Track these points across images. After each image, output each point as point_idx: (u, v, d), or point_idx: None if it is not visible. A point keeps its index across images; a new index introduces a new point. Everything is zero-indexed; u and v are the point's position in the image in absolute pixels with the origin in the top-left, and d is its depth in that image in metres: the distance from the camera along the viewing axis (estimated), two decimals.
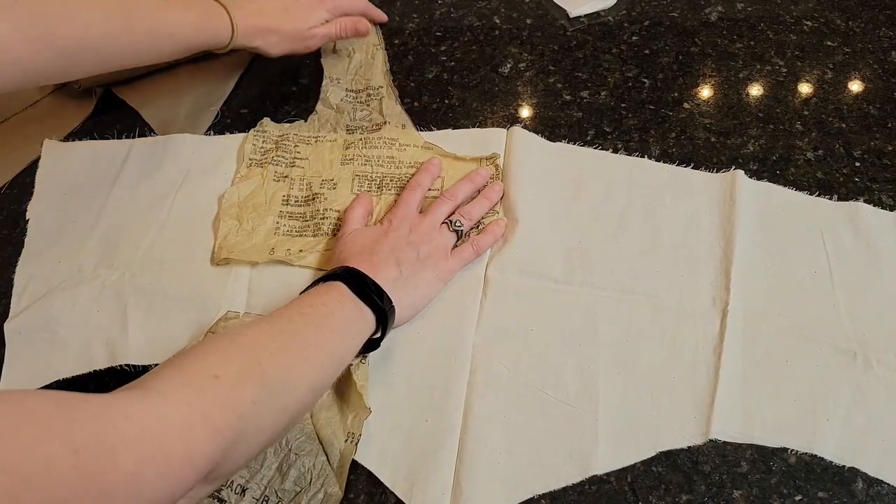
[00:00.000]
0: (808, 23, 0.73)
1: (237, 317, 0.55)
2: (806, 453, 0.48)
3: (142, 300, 0.57)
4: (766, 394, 0.50)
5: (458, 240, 0.58)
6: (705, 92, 0.68)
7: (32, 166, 0.66)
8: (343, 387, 0.51)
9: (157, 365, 0.51)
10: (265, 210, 0.61)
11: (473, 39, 0.75)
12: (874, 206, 0.58)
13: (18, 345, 0.55)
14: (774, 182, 0.60)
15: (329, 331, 0.46)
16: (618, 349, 0.52)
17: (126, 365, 0.53)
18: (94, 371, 0.53)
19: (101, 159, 0.66)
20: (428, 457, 0.48)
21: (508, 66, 0.72)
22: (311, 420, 0.49)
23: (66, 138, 0.68)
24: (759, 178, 0.61)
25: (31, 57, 0.50)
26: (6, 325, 0.56)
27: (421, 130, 0.67)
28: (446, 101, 0.69)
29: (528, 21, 0.76)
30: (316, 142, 0.66)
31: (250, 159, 0.65)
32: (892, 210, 0.58)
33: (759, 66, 0.69)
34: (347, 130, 0.67)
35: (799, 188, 0.60)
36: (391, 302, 0.50)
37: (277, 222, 0.61)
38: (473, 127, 0.67)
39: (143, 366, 0.53)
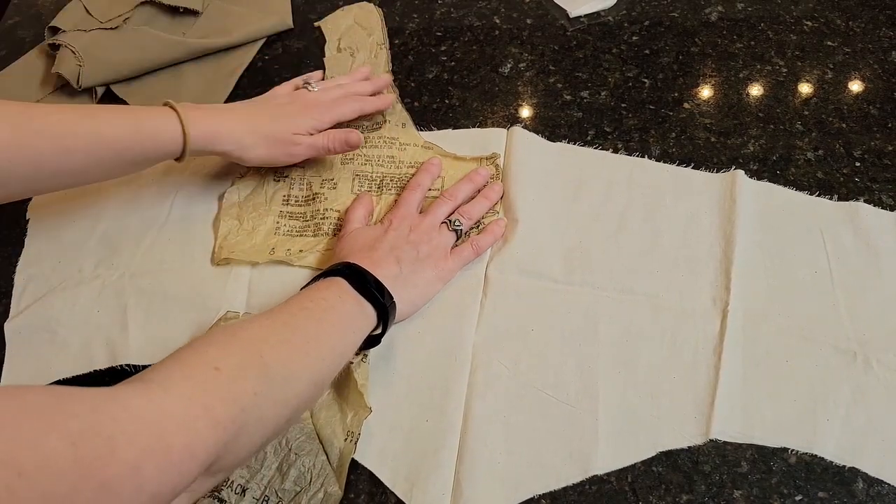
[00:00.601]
0: (809, 23, 0.73)
1: (237, 317, 0.55)
2: (806, 453, 0.48)
3: (142, 300, 0.57)
4: (766, 394, 0.50)
5: (457, 239, 0.58)
6: (705, 92, 0.68)
7: None
8: (343, 386, 0.51)
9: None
10: (265, 210, 0.61)
11: (473, 39, 0.75)
12: (874, 206, 0.58)
13: (18, 345, 0.55)
14: (774, 182, 0.60)
15: (330, 325, 0.46)
16: (618, 349, 0.52)
17: (126, 365, 0.53)
18: (94, 371, 0.53)
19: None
20: (428, 456, 0.48)
21: (508, 66, 0.72)
22: (310, 419, 0.49)
23: None
24: (759, 178, 0.61)
25: None
26: (6, 325, 0.56)
27: (421, 130, 0.67)
28: (446, 101, 0.69)
29: (529, 21, 0.76)
30: None
31: None
32: (892, 210, 0.58)
33: (759, 66, 0.69)
34: None
35: (799, 188, 0.60)
36: (392, 297, 0.50)
37: (278, 222, 0.61)
38: (473, 127, 0.67)
39: (143, 365, 0.53)
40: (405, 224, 0.56)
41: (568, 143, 0.64)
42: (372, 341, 0.50)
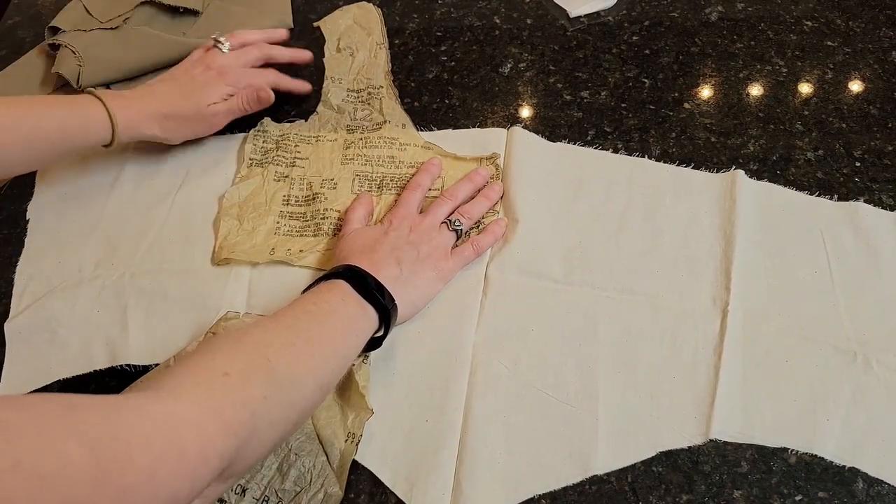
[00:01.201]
0: (809, 23, 0.73)
1: (237, 317, 0.55)
2: (806, 453, 0.48)
3: (142, 300, 0.57)
4: (766, 394, 0.50)
5: (457, 239, 0.58)
6: (705, 92, 0.68)
7: None
8: (344, 387, 0.51)
9: (157, 365, 0.51)
10: (265, 210, 0.61)
11: (473, 39, 0.75)
12: (874, 206, 0.58)
13: (18, 345, 0.55)
14: (774, 182, 0.60)
15: (333, 328, 0.46)
16: (618, 349, 0.52)
17: (126, 365, 0.53)
18: (94, 371, 0.53)
19: (101, 159, 0.66)
20: (428, 457, 0.48)
21: (508, 66, 0.72)
22: (311, 420, 0.49)
23: None
24: (759, 178, 0.61)
25: None
26: (6, 325, 0.56)
27: (421, 130, 0.67)
28: (446, 101, 0.69)
29: (529, 21, 0.76)
30: (316, 141, 0.66)
31: (251, 159, 0.65)
32: (892, 210, 0.58)
33: (759, 66, 0.69)
34: (348, 130, 0.67)
35: (799, 188, 0.60)
36: (393, 299, 0.50)
37: (278, 222, 0.61)
38: (473, 127, 0.67)
39: (143, 366, 0.53)
40: (405, 224, 0.56)
41: (568, 143, 0.64)
42: (374, 344, 0.50)
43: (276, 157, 0.64)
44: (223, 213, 0.61)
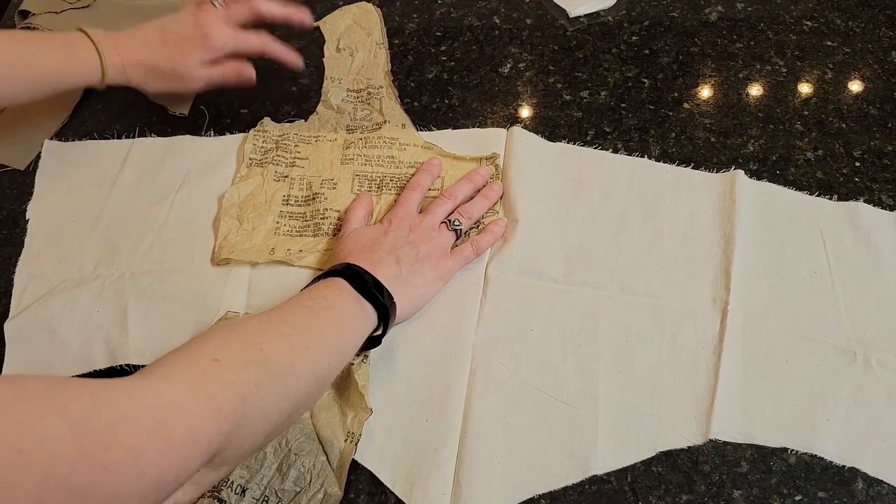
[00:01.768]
0: (808, 23, 0.73)
1: (237, 317, 0.55)
2: (806, 453, 0.48)
3: (142, 300, 0.57)
4: (766, 394, 0.50)
5: (457, 239, 0.58)
6: (705, 92, 0.68)
7: (32, 166, 0.66)
8: (343, 387, 0.51)
9: None
10: (265, 210, 0.61)
11: (473, 39, 0.75)
12: (874, 206, 0.58)
13: (18, 345, 0.55)
14: (774, 182, 0.60)
15: (329, 322, 0.46)
16: (618, 349, 0.52)
17: (126, 365, 0.53)
18: (94, 371, 0.53)
19: (101, 159, 0.66)
20: (428, 456, 0.48)
21: (508, 66, 0.72)
22: (310, 420, 0.49)
23: (66, 126, 0.69)
24: (759, 178, 0.61)
25: None
26: (6, 325, 0.56)
27: (421, 130, 0.67)
28: (446, 101, 0.69)
29: (528, 21, 0.76)
30: (316, 141, 0.66)
31: (250, 159, 0.65)
32: (892, 210, 0.58)
33: (759, 66, 0.69)
34: (348, 130, 0.67)
35: (799, 188, 0.60)
36: (392, 298, 0.50)
37: (278, 222, 0.61)
38: (473, 127, 0.67)
39: (143, 366, 0.53)
40: (405, 224, 0.56)
41: (568, 143, 0.64)
42: (372, 342, 0.50)
43: (275, 157, 0.64)
44: (223, 212, 0.61)
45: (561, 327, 0.54)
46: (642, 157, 0.63)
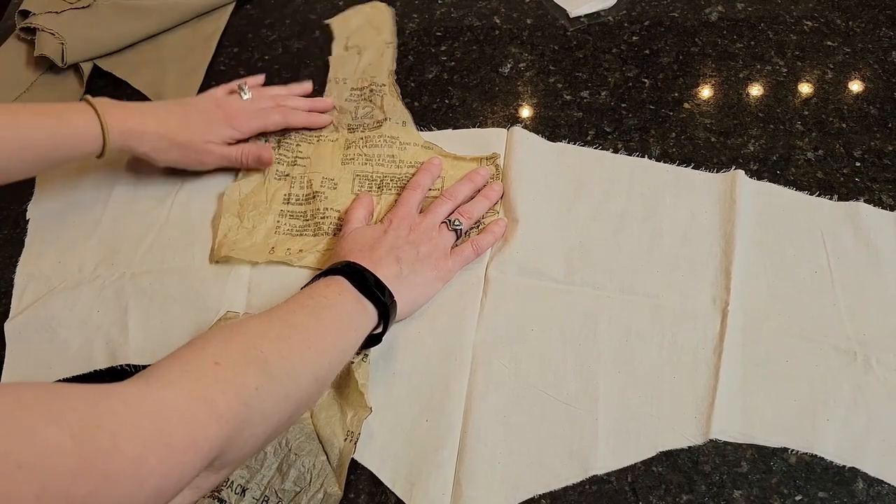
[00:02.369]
0: (808, 23, 0.73)
1: (237, 317, 0.55)
2: (806, 453, 0.48)
3: (142, 300, 0.57)
4: (766, 394, 0.50)
5: (457, 239, 0.58)
6: (705, 92, 0.68)
7: None
8: (343, 385, 0.51)
9: None
10: (266, 208, 0.61)
11: (473, 39, 0.75)
12: (874, 206, 0.58)
13: (18, 345, 0.55)
14: (774, 182, 0.60)
15: (330, 322, 0.46)
16: (618, 349, 0.52)
17: (126, 365, 0.53)
18: (95, 371, 0.53)
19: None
20: (428, 456, 0.48)
21: (508, 66, 0.72)
22: (310, 420, 0.49)
23: None
24: (759, 178, 0.61)
25: None
26: (6, 325, 0.56)
27: (421, 130, 0.67)
28: (446, 101, 0.69)
29: (528, 21, 0.76)
30: (318, 141, 0.66)
31: None
32: (892, 210, 0.58)
33: (759, 66, 0.69)
34: (349, 130, 0.67)
35: (799, 188, 0.60)
36: (392, 296, 0.50)
37: (278, 221, 0.61)
38: (473, 127, 0.67)
39: (143, 365, 0.53)
40: (405, 224, 0.56)
41: (568, 143, 0.64)
42: (373, 340, 0.50)
43: (277, 156, 0.64)
44: (223, 209, 0.61)
45: (561, 327, 0.54)
46: (643, 157, 0.63)
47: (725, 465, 0.48)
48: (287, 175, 0.63)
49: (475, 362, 0.52)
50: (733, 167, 0.61)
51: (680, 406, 0.50)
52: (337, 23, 0.77)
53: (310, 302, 0.46)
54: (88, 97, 0.56)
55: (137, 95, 0.72)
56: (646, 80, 0.69)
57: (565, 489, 0.47)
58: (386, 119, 0.66)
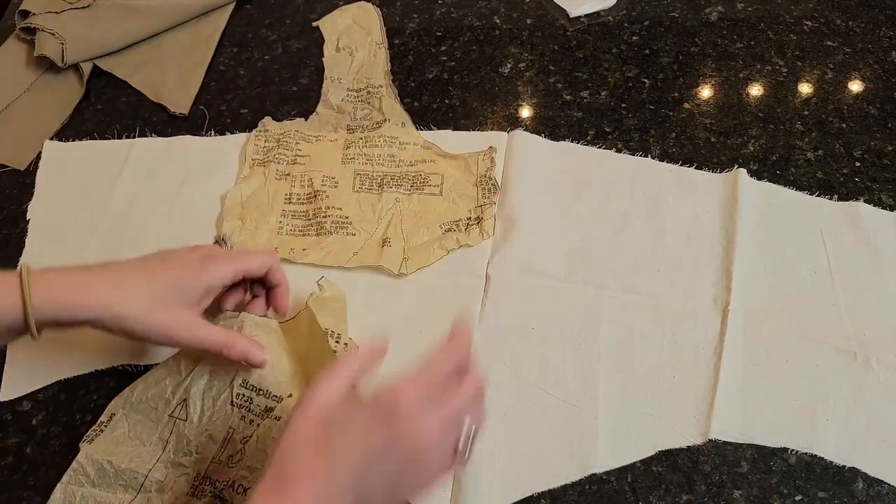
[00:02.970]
0: (808, 23, 0.73)
1: (236, 316, 0.55)
2: (806, 453, 0.48)
3: None
4: (766, 394, 0.50)
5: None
6: (705, 92, 0.68)
7: (33, 166, 0.67)
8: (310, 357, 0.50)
9: (156, 364, 0.51)
10: (268, 209, 0.61)
11: (473, 39, 0.75)
12: (874, 206, 0.58)
13: (19, 345, 0.55)
14: (775, 182, 0.60)
15: None
16: (618, 348, 0.52)
17: (127, 365, 0.54)
18: (95, 371, 0.54)
19: (101, 159, 0.66)
20: None
21: (508, 66, 0.72)
22: None
23: (66, 126, 0.70)
24: (759, 178, 0.61)
25: None
26: None
27: (421, 130, 0.67)
28: (446, 101, 0.69)
29: (528, 21, 0.76)
30: (317, 141, 0.66)
31: (252, 159, 0.65)
32: (892, 210, 0.58)
33: (759, 66, 0.69)
34: (348, 130, 0.67)
35: (799, 188, 0.60)
36: None
37: (280, 221, 0.61)
38: (474, 127, 0.67)
39: (143, 365, 0.53)
40: (414, 426, 0.38)
41: (569, 142, 0.64)
42: None
43: (277, 155, 0.64)
44: (226, 212, 0.61)
45: (562, 326, 0.54)
46: (644, 157, 0.63)
47: (725, 465, 0.48)
48: (287, 174, 0.63)
49: (475, 361, 0.52)
50: (735, 167, 0.61)
51: (680, 406, 0.50)
52: (325, 24, 0.77)
53: None
54: (27, 265, 0.43)
55: (137, 95, 0.72)
56: (646, 80, 0.69)
57: (565, 488, 0.47)
58: (385, 120, 0.66)
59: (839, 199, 0.59)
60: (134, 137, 0.68)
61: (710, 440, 0.48)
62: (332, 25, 0.77)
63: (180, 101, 0.70)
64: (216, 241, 0.57)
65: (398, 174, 0.63)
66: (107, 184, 0.64)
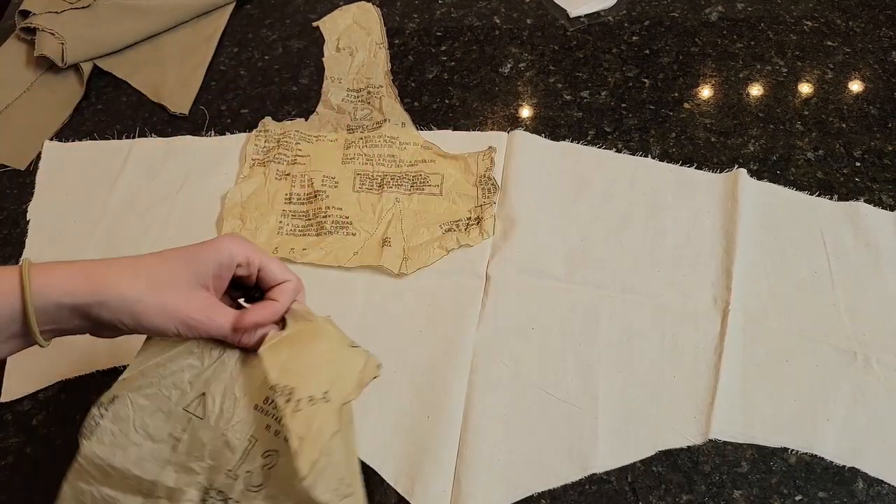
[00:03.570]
0: (808, 23, 0.73)
1: None
2: (806, 453, 0.48)
3: None
4: (766, 394, 0.50)
5: None
6: (705, 92, 0.68)
7: (32, 166, 0.67)
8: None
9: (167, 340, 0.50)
10: (268, 209, 0.61)
11: (473, 39, 0.75)
12: (874, 206, 0.58)
13: None
14: (775, 182, 0.60)
15: None
16: (618, 348, 0.53)
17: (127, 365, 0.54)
18: (95, 371, 0.54)
19: (101, 160, 0.66)
20: (429, 454, 0.49)
21: (508, 66, 0.72)
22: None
23: (66, 126, 0.70)
24: (759, 178, 0.61)
25: None
26: None
27: (421, 130, 0.67)
28: (446, 101, 0.69)
29: (529, 21, 0.76)
30: (317, 141, 0.66)
31: (253, 159, 0.65)
32: (892, 210, 0.58)
33: (759, 66, 0.70)
34: (348, 130, 0.67)
35: (799, 188, 0.60)
36: None
37: (280, 221, 0.61)
38: (474, 126, 0.67)
39: None
40: None
41: (569, 142, 0.64)
42: None
43: (277, 155, 0.64)
44: (226, 213, 0.61)
45: (562, 326, 0.54)
46: (644, 157, 0.63)
47: (725, 465, 0.48)
48: (287, 174, 0.63)
49: (476, 361, 0.52)
50: (735, 167, 0.61)
51: (680, 406, 0.50)
52: (325, 24, 0.77)
53: None
54: (27, 259, 0.40)
55: (137, 95, 0.72)
56: (646, 80, 0.69)
57: (565, 488, 0.47)
58: (385, 121, 0.66)
59: (839, 199, 0.59)
60: (134, 137, 0.68)
61: (710, 440, 0.49)
62: (332, 25, 0.77)
63: (180, 101, 0.70)
64: None
65: (398, 174, 0.63)
66: (107, 184, 0.64)
